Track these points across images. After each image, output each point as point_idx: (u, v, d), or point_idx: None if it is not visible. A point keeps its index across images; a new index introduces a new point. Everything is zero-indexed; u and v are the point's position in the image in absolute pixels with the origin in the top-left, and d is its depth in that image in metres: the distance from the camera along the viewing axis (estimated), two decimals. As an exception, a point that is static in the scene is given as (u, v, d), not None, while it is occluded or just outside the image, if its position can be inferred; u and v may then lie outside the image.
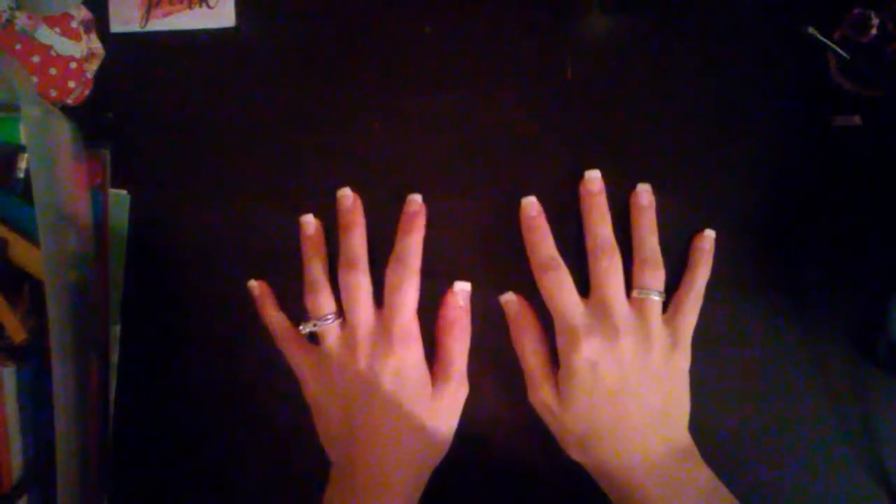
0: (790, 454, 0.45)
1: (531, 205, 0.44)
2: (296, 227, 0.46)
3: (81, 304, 0.43)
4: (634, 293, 0.43)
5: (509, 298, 0.45)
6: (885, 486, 0.45)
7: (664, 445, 0.41)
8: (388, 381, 0.42)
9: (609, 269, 0.43)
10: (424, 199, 0.46)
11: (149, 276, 0.47)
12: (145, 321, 0.47)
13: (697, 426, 0.43)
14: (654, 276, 0.43)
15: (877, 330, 0.44)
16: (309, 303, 0.44)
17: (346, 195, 0.45)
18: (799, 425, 0.45)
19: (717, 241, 0.45)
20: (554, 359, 0.44)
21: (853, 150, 0.44)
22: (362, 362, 0.42)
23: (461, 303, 0.45)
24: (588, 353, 0.41)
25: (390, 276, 0.43)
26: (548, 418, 0.44)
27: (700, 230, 0.45)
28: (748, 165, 0.45)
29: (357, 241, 0.44)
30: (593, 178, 0.44)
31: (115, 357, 0.47)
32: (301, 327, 0.44)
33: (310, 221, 0.46)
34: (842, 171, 0.45)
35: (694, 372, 0.44)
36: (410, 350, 0.42)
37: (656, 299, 0.43)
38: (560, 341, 0.43)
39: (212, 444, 0.47)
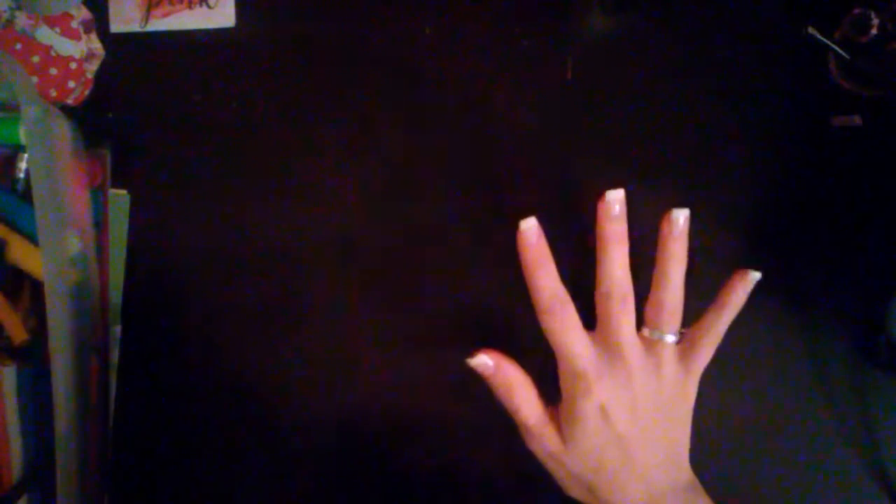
0: (790, 455, 0.45)
1: (530, 231, 0.39)
2: (294, 227, 0.46)
3: (81, 305, 0.43)
4: (647, 332, 0.40)
5: (481, 362, 0.40)
6: (886, 487, 0.45)
7: (669, 483, 0.40)
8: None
9: (623, 312, 0.39)
10: (421, 199, 0.45)
11: (149, 276, 0.47)
12: (146, 322, 0.47)
13: (697, 428, 0.43)
14: (672, 319, 0.40)
15: (877, 331, 0.44)
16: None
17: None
18: (799, 426, 0.45)
19: (717, 241, 0.45)
20: (550, 402, 0.42)
21: (853, 151, 0.44)
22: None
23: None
24: (599, 398, 0.39)
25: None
26: (550, 463, 0.41)
27: (697, 238, 0.45)
28: (748, 165, 0.45)
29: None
30: (615, 200, 0.39)
31: (115, 357, 0.47)
32: None
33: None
34: (841, 172, 0.45)
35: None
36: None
37: (671, 341, 0.40)
38: (566, 384, 0.40)
39: (212, 444, 0.47)
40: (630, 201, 0.41)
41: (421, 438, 0.46)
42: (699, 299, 0.44)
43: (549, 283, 0.39)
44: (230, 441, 0.47)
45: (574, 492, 0.41)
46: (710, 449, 0.43)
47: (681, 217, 0.40)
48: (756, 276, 0.40)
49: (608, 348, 0.40)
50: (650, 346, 0.40)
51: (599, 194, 0.40)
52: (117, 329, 0.47)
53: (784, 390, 0.45)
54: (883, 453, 0.45)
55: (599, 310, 0.40)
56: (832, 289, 0.45)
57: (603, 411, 0.39)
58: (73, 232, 0.43)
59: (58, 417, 0.39)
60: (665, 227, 0.40)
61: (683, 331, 0.41)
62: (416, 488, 0.46)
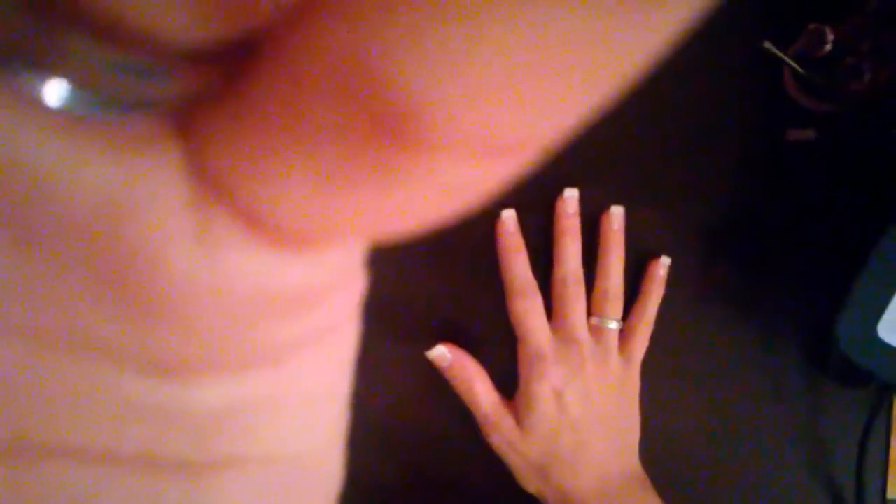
0: (742, 463, 0.46)
1: (510, 220, 0.43)
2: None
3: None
4: (594, 321, 0.43)
5: (438, 353, 0.43)
6: (834, 494, 0.46)
7: (620, 474, 0.42)
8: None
9: (577, 297, 0.43)
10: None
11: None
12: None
13: (652, 433, 0.44)
14: (615, 306, 0.43)
15: (828, 342, 0.44)
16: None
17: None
18: (752, 434, 0.46)
19: (671, 252, 0.45)
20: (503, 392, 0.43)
21: (807, 164, 0.45)
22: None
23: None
24: (555, 381, 0.41)
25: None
26: (508, 453, 0.43)
27: (654, 246, 0.45)
28: (702, 177, 0.46)
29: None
30: (571, 198, 0.44)
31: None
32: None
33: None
34: (795, 185, 0.45)
35: (649, 380, 0.44)
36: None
37: (614, 327, 0.43)
38: (523, 367, 0.43)
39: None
40: (587, 204, 0.44)
41: (394, 443, 0.46)
42: (662, 311, 0.45)
43: (521, 270, 0.43)
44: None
45: (531, 484, 0.43)
46: (663, 455, 0.44)
47: (619, 213, 0.44)
48: (666, 260, 0.45)
49: (563, 335, 0.42)
50: (597, 333, 0.43)
51: (559, 192, 0.44)
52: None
53: (737, 400, 0.46)
54: (831, 461, 0.45)
55: (555, 296, 0.43)
56: (785, 300, 0.45)
57: (557, 395, 0.41)
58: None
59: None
60: (605, 223, 0.44)
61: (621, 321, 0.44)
62: (392, 496, 0.46)
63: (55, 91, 0.07)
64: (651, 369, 0.44)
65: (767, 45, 0.42)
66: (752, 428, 0.46)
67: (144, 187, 0.08)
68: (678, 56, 0.41)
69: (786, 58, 0.42)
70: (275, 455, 0.10)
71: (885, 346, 0.39)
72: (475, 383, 0.43)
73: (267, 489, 0.10)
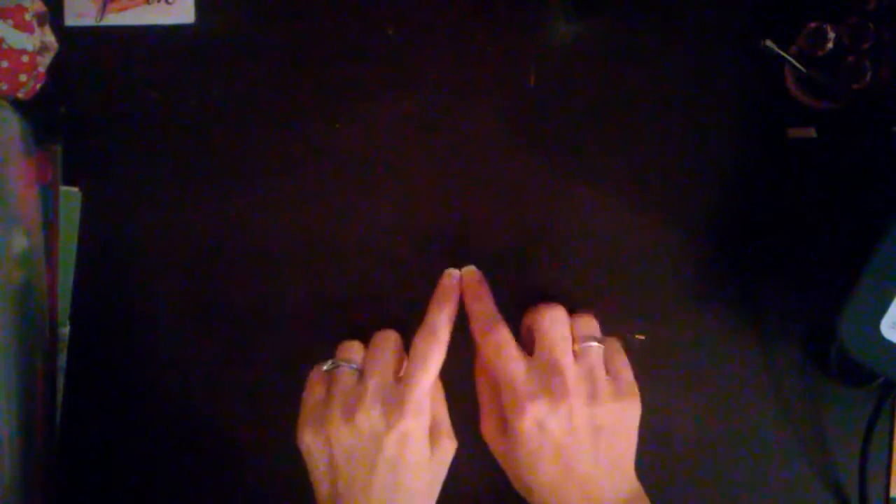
0: (743, 461, 0.46)
1: (470, 273, 0.44)
2: (252, 227, 0.46)
3: (27, 305, 0.42)
4: (575, 346, 0.42)
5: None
6: (837, 493, 0.46)
7: (611, 493, 0.41)
8: (392, 446, 0.40)
9: (553, 324, 0.42)
10: (380, 202, 0.45)
11: (100, 276, 0.46)
12: (96, 323, 0.46)
13: (652, 434, 0.43)
14: (588, 324, 0.43)
15: (828, 340, 0.44)
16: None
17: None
18: (752, 433, 0.46)
19: (671, 252, 0.45)
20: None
21: (808, 162, 0.45)
22: (374, 422, 0.40)
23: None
24: (533, 415, 0.40)
25: (419, 345, 0.42)
26: (496, 455, 0.43)
27: (654, 246, 0.45)
28: (705, 176, 0.46)
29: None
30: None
31: (63, 360, 0.46)
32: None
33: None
34: (796, 183, 0.45)
35: (649, 380, 0.44)
36: (420, 421, 0.41)
37: (596, 346, 0.42)
38: (505, 401, 0.41)
39: (163, 451, 0.46)
40: (587, 204, 0.45)
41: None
42: (662, 310, 0.45)
43: (482, 305, 0.43)
44: (182, 448, 0.46)
45: (519, 489, 0.42)
46: (663, 455, 0.43)
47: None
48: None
49: (544, 365, 0.41)
50: (582, 357, 0.41)
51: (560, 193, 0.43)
52: (65, 330, 0.46)
53: (737, 399, 0.46)
54: (834, 460, 0.45)
55: (535, 326, 0.42)
56: (786, 299, 0.45)
57: (539, 426, 0.40)
58: (19, 230, 0.42)
59: (0, 424, 0.38)
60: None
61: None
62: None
63: None
64: (651, 369, 0.44)
65: (768, 43, 0.42)
66: (753, 428, 0.46)
67: None
68: (679, 56, 0.42)
69: (787, 56, 0.42)
70: None
71: (889, 344, 0.39)
72: (486, 372, 0.43)
73: None
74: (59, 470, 0.46)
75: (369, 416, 0.40)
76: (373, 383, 0.41)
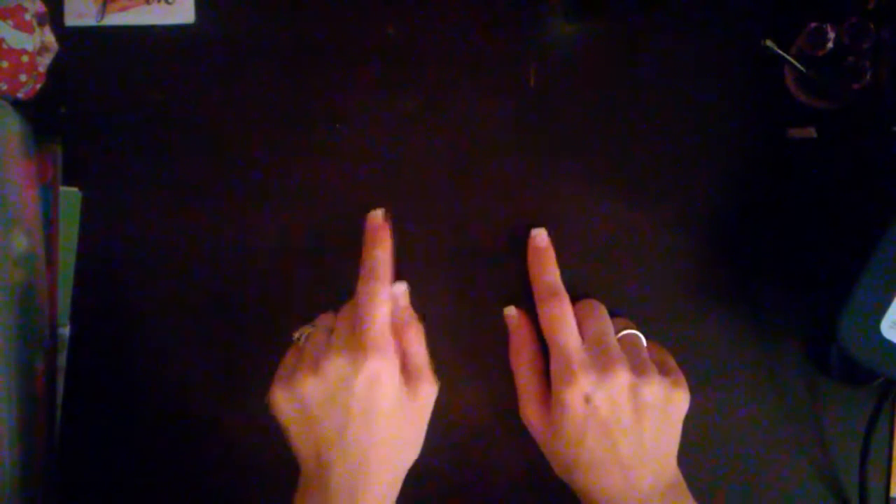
0: (744, 462, 0.46)
1: (539, 236, 0.45)
2: (251, 227, 0.46)
3: (27, 305, 0.42)
4: (619, 336, 0.43)
5: (510, 312, 0.45)
6: (837, 493, 0.45)
7: (652, 479, 0.41)
8: (362, 388, 0.40)
9: (601, 315, 0.43)
10: (383, 203, 0.45)
11: (100, 276, 0.46)
12: (96, 323, 0.46)
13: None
14: (624, 321, 0.44)
15: (829, 341, 0.44)
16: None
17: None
18: (752, 433, 0.46)
19: (671, 252, 0.45)
20: (548, 378, 0.43)
21: (808, 162, 0.45)
22: (340, 368, 0.40)
23: (403, 303, 0.44)
24: (583, 387, 0.40)
25: (360, 288, 0.42)
26: (537, 436, 0.44)
27: (654, 246, 0.46)
28: (704, 176, 0.46)
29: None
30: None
31: (63, 360, 0.46)
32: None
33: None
34: (797, 183, 0.45)
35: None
36: (385, 361, 0.40)
37: (639, 334, 0.44)
38: (554, 372, 0.42)
39: (163, 451, 0.46)
40: (587, 204, 0.46)
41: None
42: (662, 310, 0.45)
43: (548, 272, 0.44)
44: (182, 447, 0.46)
45: (557, 471, 0.43)
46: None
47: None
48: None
49: (594, 343, 0.42)
50: (629, 343, 0.43)
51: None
52: (65, 330, 0.46)
53: (737, 399, 0.46)
54: (834, 459, 0.45)
55: (578, 315, 0.43)
56: (786, 298, 0.45)
57: (586, 400, 0.41)
58: (19, 230, 0.42)
59: (0, 423, 0.38)
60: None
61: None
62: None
63: None
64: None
65: (769, 43, 0.42)
66: (753, 428, 0.46)
67: None
68: (679, 56, 0.42)
69: (787, 56, 0.42)
70: None
71: (889, 344, 0.39)
72: (523, 353, 0.44)
73: None
74: (59, 470, 0.46)
75: (335, 364, 0.40)
76: (338, 335, 0.41)
